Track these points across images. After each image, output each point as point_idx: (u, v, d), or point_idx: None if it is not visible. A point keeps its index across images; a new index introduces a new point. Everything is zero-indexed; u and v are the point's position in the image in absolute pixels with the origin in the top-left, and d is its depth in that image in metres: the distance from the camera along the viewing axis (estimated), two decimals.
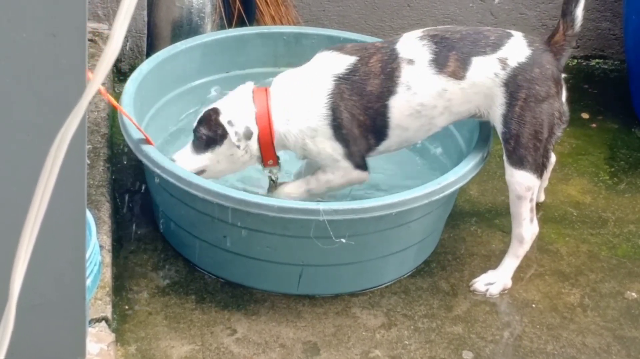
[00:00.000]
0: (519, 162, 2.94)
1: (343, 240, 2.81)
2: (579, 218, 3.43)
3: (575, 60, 4.36)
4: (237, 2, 4.01)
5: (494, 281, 3.07)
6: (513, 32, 3.03)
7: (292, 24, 4.08)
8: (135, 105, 3.11)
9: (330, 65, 3.00)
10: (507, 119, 2.93)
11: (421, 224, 3.02)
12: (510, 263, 3.08)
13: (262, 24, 4.05)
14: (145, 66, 3.33)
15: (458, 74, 2.93)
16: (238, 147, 2.94)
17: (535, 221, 3.05)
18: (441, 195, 2.91)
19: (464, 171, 2.98)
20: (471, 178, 3.03)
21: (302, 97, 2.98)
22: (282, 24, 4.05)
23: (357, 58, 2.99)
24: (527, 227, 3.02)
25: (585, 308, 3.06)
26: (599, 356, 2.89)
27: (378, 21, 4.23)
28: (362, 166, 3.02)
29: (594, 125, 3.97)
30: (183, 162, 2.96)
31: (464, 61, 2.93)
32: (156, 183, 3.01)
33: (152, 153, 2.91)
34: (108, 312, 2.71)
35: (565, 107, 3.01)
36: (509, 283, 3.08)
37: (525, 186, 2.96)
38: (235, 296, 2.97)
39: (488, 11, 4.28)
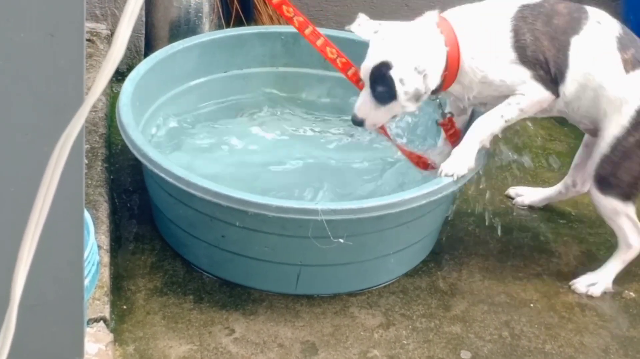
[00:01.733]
0: (606, 189, 2.95)
1: (341, 240, 2.81)
2: (576, 217, 3.43)
3: None
4: (235, 2, 4.01)
5: (595, 282, 3.09)
6: None
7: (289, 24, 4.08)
8: (133, 105, 3.11)
9: None
10: (617, 144, 2.90)
11: (419, 224, 3.02)
12: (614, 266, 3.10)
13: (260, 24, 4.05)
14: (143, 66, 3.33)
15: (627, 66, 2.89)
16: (405, 95, 2.81)
17: (638, 225, 3.05)
18: (439, 195, 2.91)
19: None
20: (469, 179, 3.02)
21: (487, 27, 2.89)
22: (280, 23, 4.05)
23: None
24: (633, 237, 3.04)
25: (583, 308, 3.06)
26: (597, 355, 2.89)
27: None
28: (553, 89, 2.91)
29: None
30: (371, 120, 2.93)
31: (636, 62, 2.90)
32: (154, 183, 3.01)
33: (151, 153, 2.90)
34: (106, 312, 2.71)
35: None
36: (610, 285, 3.09)
37: (610, 209, 2.99)
38: (233, 296, 2.97)
39: None
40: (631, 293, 3.13)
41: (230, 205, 2.78)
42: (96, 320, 2.67)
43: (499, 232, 3.33)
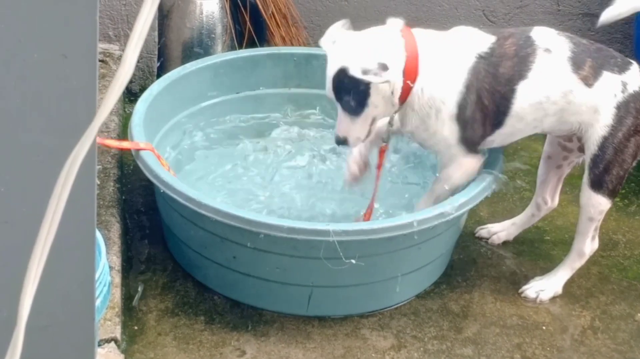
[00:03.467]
0: (599, 186, 2.97)
1: (353, 261, 2.80)
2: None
3: None
4: (248, 23, 4.03)
5: (545, 288, 3.13)
6: (631, 60, 3.02)
7: (302, 45, 4.09)
8: (146, 125, 3.12)
9: (474, 41, 2.94)
10: (606, 142, 2.92)
11: (431, 245, 3.01)
12: (564, 273, 3.14)
13: (272, 45, 4.07)
14: (156, 87, 3.34)
15: (588, 81, 2.91)
16: (387, 82, 2.80)
17: (597, 239, 3.11)
18: (452, 216, 2.91)
19: (474, 192, 2.98)
20: (481, 200, 3.02)
21: (445, 66, 2.90)
22: (292, 45, 4.06)
23: (495, 38, 2.94)
24: (588, 245, 3.09)
25: (595, 331, 3.04)
26: None
27: None
28: (474, 151, 2.97)
29: None
30: (352, 135, 2.90)
31: (597, 71, 2.92)
32: (166, 203, 3.01)
33: (163, 174, 2.91)
34: (117, 333, 2.71)
35: None
36: (559, 291, 3.14)
37: (599, 209, 3.01)
38: (244, 317, 2.96)
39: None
40: None
41: (241, 226, 2.78)
42: (107, 341, 2.67)
43: (512, 254, 3.32)
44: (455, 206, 2.91)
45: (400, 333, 2.96)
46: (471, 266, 3.27)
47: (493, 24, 4.26)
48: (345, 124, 2.90)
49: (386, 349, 2.89)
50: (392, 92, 2.86)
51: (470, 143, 2.95)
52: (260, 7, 4.03)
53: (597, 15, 4.24)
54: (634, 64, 2.99)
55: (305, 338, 2.91)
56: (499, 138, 3.00)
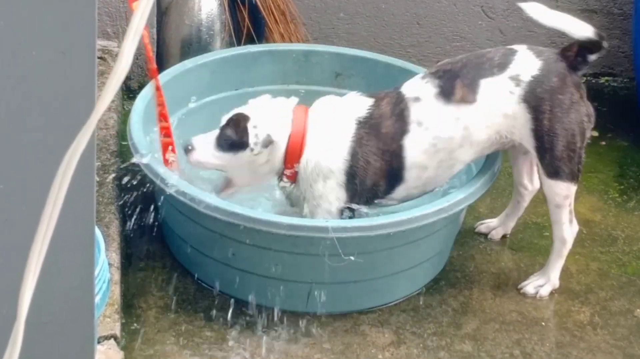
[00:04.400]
0: (555, 173, 2.97)
1: (352, 258, 2.81)
2: (588, 236, 3.42)
3: (585, 78, 4.35)
4: (246, 20, 4.02)
5: (543, 283, 3.13)
6: (516, 47, 3.02)
7: (301, 42, 4.09)
8: (144, 122, 3.11)
9: (355, 107, 2.99)
10: (537, 133, 2.92)
11: (430, 241, 3.01)
12: (556, 263, 3.14)
13: (271, 42, 4.06)
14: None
15: (468, 99, 2.91)
16: (252, 150, 2.91)
17: (575, 221, 3.09)
18: (450, 212, 2.91)
19: (473, 188, 2.98)
20: (480, 196, 3.02)
21: (331, 136, 2.96)
22: (291, 41, 4.06)
23: (373, 100, 2.99)
24: (567, 230, 3.08)
25: (595, 326, 3.05)
26: None
27: (387, 39, 4.23)
28: (340, 215, 3.01)
29: (603, 143, 3.96)
30: (201, 152, 2.97)
31: (471, 85, 2.92)
32: (165, 201, 3.01)
33: (161, 171, 2.91)
34: (117, 329, 2.71)
35: (590, 108, 3.00)
36: (557, 283, 3.14)
37: (563, 195, 3.00)
38: (244, 313, 2.96)
39: (497, 29, 4.29)
40: None
41: (240, 223, 2.78)
42: (107, 338, 2.67)
43: (510, 250, 3.32)
44: (453, 203, 2.91)
45: (399, 329, 2.96)
46: (470, 262, 3.27)
47: (492, 20, 4.26)
48: (206, 144, 2.97)
49: (386, 346, 2.89)
50: (268, 161, 2.95)
51: (348, 209, 2.98)
52: (258, 3, 4.02)
53: (596, 11, 4.25)
54: (518, 51, 2.97)
55: (304, 334, 2.91)
56: (413, 190, 3.01)
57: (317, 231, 2.77)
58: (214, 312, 2.96)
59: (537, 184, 3.24)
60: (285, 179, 3.02)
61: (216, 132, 2.99)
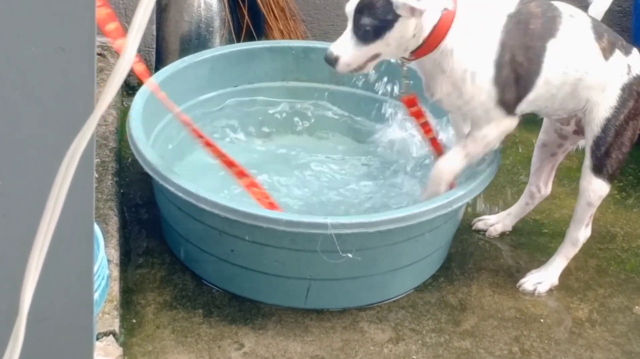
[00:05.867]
0: (600, 170, 2.97)
1: (350, 255, 2.81)
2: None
3: None
4: (246, 17, 4.02)
5: (542, 280, 3.13)
6: (631, 45, 3.03)
7: (300, 39, 4.09)
8: (144, 119, 3.11)
9: (502, 2, 2.87)
10: (609, 124, 2.93)
11: (429, 238, 3.01)
12: (559, 263, 3.14)
13: (270, 39, 4.07)
14: (154, 80, 3.33)
15: (606, 54, 2.90)
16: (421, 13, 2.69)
17: (590, 226, 3.11)
18: (449, 209, 2.91)
19: (472, 185, 2.98)
20: (480, 192, 3.02)
21: (479, 27, 2.82)
22: (290, 38, 4.06)
23: (519, 0, 2.89)
24: (583, 232, 3.09)
25: (593, 323, 3.05)
26: None
27: None
28: (512, 113, 2.90)
29: None
30: (346, 59, 2.78)
31: (612, 46, 2.92)
32: (164, 197, 3.01)
33: (160, 167, 2.91)
34: (116, 326, 2.71)
35: None
36: (556, 282, 3.14)
37: (599, 194, 3.01)
38: (242, 310, 2.97)
39: None
40: None
41: (239, 219, 2.78)
42: (105, 334, 2.67)
43: (509, 247, 3.32)
44: (452, 199, 2.91)
45: (398, 326, 2.96)
46: (469, 259, 3.27)
47: None
48: (346, 44, 2.78)
49: (384, 342, 2.89)
50: (414, 35, 2.77)
51: (507, 105, 2.87)
52: (258, 0, 4.03)
53: None
54: (635, 49, 3.00)
55: (303, 331, 2.91)
56: (540, 102, 2.92)
57: (316, 228, 2.77)
58: (212, 308, 2.96)
59: (549, 190, 3.27)
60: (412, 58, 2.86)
61: (350, 27, 2.78)
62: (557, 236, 3.37)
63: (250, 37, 4.05)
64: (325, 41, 4.01)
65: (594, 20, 2.95)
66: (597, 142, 2.94)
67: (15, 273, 1.21)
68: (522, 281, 3.15)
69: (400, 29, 2.75)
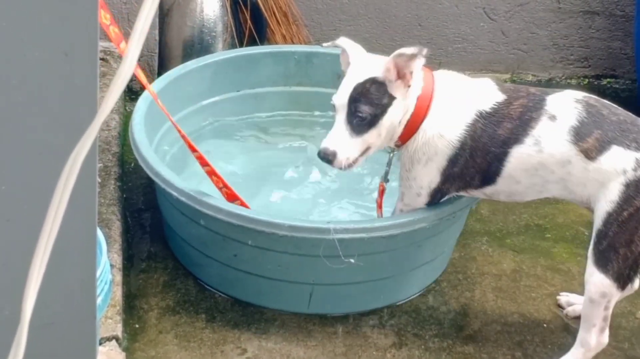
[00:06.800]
0: (603, 264, 2.72)
1: (352, 260, 2.80)
2: (590, 237, 3.41)
3: (587, 80, 4.36)
4: (248, 21, 4.02)
5: None
6: None
7: (303, 43, 4.09)
8: (147, 123, 3.12)
9: (480, 97, 2.81)
10: (610, 219, 2.71)
11: (432, 243, 3.01)
12: None
13: (273, 43, 4.07)
14: (157, 85, 3.34)
15: (590, 154, 2.73)
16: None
17: (607, 332, 2.79)
18: (452, 214, 2.91)
19: None
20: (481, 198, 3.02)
21: (447, 116, 2.79)
22: (293, 43, 4.06)
23: (504, 98, 2.81)
24: (594, 336, 2.78)
25: None
26: None
27: (389, 40, 4.23)
28: (435, 202, 2.87)
29: None
30: (343, 153, 2.73)
31: (604, 144, 2.73)
32: (166, 201, 3.01)
33: (163, 171, 2.91)
34: (118, 331, 2.71)
35: None
36: None
37: (601, 291, 2.72)
38: (245, 315, 2.96)
39: (499, 30, 4.29)
40: None
41: (242, 224, 2.78)
42: (108, 339, 2.67)
43: (512, 252, 3.32)
44: (455, 205, 2.91)
45: (401, 331, 2.96)
46: (472, 264, 3.27)
47: (494, 21, 4.26)
48: (340, 138, 2.74)
49: (387, 347, 2.89)
50: (400, 122, 2.77)
51: (440, 196, 2.87)
52: (260, 5, 4.03)
53: (598, 13, 4.25)
54: None
55: (306, 336, 2.91)
56: (500, 194, 2.87)
57: (319, 233, 2.77)
58: (215, 313, 2.96)
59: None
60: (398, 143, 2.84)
61: (342, 119, 2.75)
62: (560, 240, 3.37)
63: (252, 42, 4.05)
64: None
65: (587, 117, 2.76)
66: (599, 235, 2.74)
67: (17, 278, 1.21)
68: None
69: (392, 114, 2.74)
